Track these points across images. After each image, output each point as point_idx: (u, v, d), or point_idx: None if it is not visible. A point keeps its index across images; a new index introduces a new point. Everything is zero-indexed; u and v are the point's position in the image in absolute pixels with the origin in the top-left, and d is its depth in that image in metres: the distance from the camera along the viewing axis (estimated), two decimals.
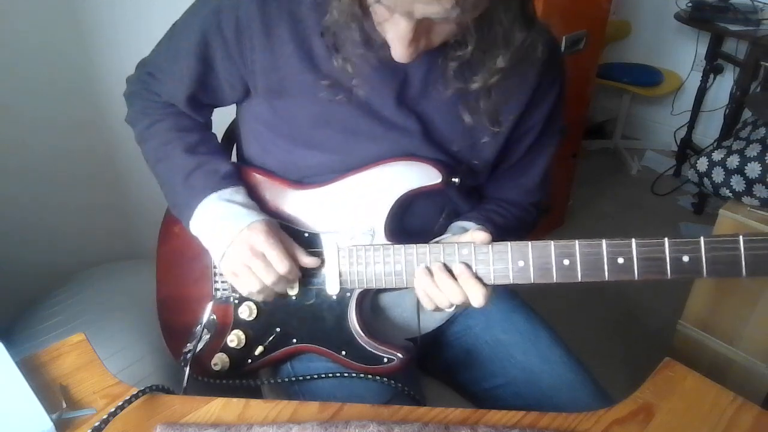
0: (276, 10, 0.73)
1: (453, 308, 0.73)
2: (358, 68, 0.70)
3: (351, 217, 0.80)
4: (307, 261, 0.79)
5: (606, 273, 0.66)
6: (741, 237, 0.61)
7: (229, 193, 0.80)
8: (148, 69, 0.86)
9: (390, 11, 0.60)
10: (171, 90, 0.83)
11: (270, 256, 0.75)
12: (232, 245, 0.76)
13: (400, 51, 0.64)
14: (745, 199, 1.37)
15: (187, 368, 0.82)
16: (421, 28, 0.62)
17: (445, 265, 0.72)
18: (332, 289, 0.80)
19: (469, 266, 0.71)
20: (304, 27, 0.74)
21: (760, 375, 1.41)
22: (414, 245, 0.74)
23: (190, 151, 0.83)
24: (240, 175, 0.85)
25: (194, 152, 0.83)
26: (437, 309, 0.74)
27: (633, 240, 0.65)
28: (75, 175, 1.36)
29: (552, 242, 0.68)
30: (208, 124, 0.91)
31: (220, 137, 0.96)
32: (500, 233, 0.79)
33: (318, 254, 0.80)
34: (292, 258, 0.77)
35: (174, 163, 0.82)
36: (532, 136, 0.84)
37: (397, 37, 0.63)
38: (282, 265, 0.75)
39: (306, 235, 0.82)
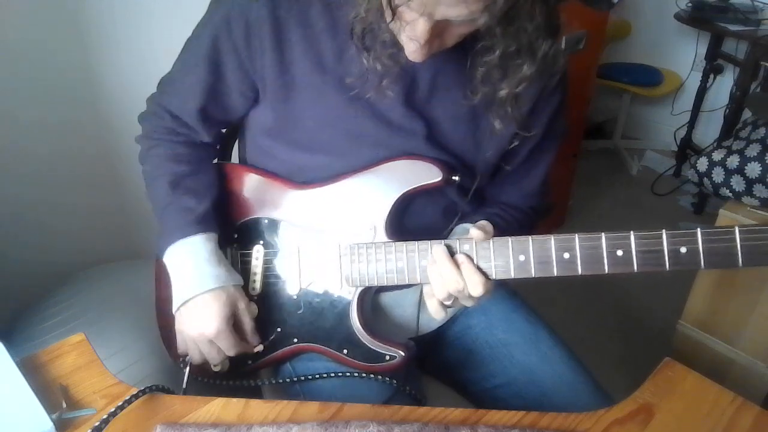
0: (286, 14, 0.73)
1: (451, 301, 0.73)
2: (384, 69, 0.70)
3: (352, 215, 0.80)
4: (256, 343, 0.83)
5: (606, 266, 0.67)
6: (737, 228, 0.63)
7: (199, 240, 0.79)
8: (163, 82, 0.87)
9: (418, 13, 0.60)
10: (181, 102, 0.83)
11: (222, 345, 0.80)
12: (186, 308, 0.79)
13: (413, 50, 0.64)
14: (745, 199, 1.37)
15: (187, 369, 0.82)
16: (438, 29, 0.62)
17: (449, 250, 0.72)
18: (334, 287, 0.80)
19: (470, 257, 0.72)
20: (313, 30, 0.74)
21: (760, 375, 1.40)
22: (416, 242, 0.75)
23: (174, 184, 0.82)
24: (231, 176, 0.86)
25: (177, 186, 0.82)
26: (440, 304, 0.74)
27: (632, 233, 0.66)
28: (75, 175, 1.36)
29: (552, 236, 0.69)
30: (211, 150, 0.90)
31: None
32: (501, 235, 0.79)
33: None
34: (242, 338, 0.82)
35: (158, 191, 0.83)
36: (534, 139, 0.84)
37: (414, 37, 0.63)
38: (231, 352, 0.81)
39: (306, 234, 0.82)
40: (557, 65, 0.69)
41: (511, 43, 0.64)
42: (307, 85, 0.76)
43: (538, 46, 0.65)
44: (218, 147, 0.94)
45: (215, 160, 0.92)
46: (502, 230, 0.81)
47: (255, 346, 0.83)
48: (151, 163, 0.86)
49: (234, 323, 0.80)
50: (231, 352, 0.80)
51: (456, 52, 0.69)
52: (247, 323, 0.82)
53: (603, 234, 0.67)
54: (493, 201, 0.92)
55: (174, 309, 0.80)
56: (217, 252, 0.81)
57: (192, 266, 0.79)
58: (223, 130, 0.92)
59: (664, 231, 0.65)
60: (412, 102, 0.77)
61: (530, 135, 0.81)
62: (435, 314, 0.75)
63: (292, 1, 0.73)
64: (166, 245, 0.80)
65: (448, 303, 0.74)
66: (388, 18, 0.63)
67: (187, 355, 0.83)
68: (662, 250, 0.65)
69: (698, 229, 0.64)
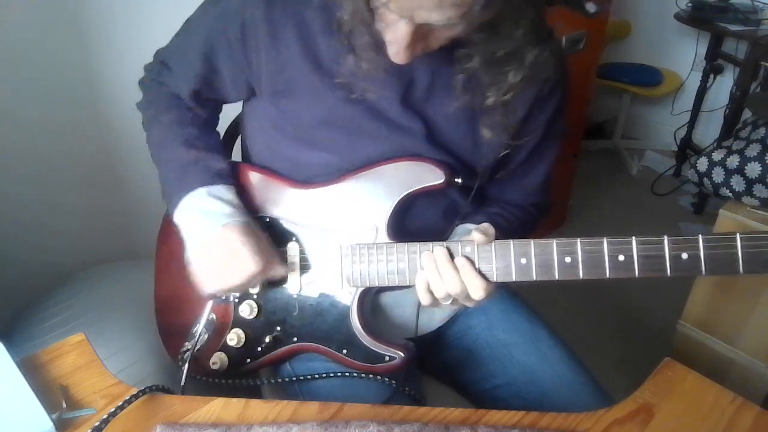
0: (281, 12, 0.74)
1: (450, 301, 0.73)
2: (369, 70, 0.70)
3: (354, 215, 0.80)
4: (280, 271, 0.80)
5: (607, 270, 0.67)
6: (738, 235, 0.63)
7: (219, 189, 0.80)
8: (161, 58, 0.87)
9: (398, 16, 0.60)
10: (177, 82, 0.85)
11: (243, 254, 0.76)
12: (208, 240, 0.77)
13: (396, 52, 0.64)
14: (745, 199, 1.37)
15: (185, 367, 0.82)
16: (420, 32, 0.62)
17: (449, 252, 0.72)
18: (334, 287, 0.80)
19: (470, 260, 0.71)
20: (309, 29, 0.74)
21: (760, 375, 1.41)
22: (417, 243, 0.75)
23: (189, 144, 0.83)
24: (234, 174, 0.85)
25: (192, 146, 0.83)
26: (434, 303, 0.74)
27: (633, 238, 0.66)
28: (75, 175, 1.36)
29: (554, 240, 0.69)
30: (212, 119, 0.91)
31: (222, 134, 0.96)
32: (504, 235, 0.79)
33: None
34: (266, 259, 0.78)
35: (172, 153, 0.83)
36: (535, 139, 0.84)
37: (395, 39, 0.63)
38: (254, 263, 0.75)
39: (308, 234, 0.82)
40: (547, 72, 0.69)
41: (495, 50, 0.64)
42: (304, 84, 0.76)
43: (524, 54, 0.65)
44: (218, 117, 0.94)
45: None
46: (504, 230, 0.81)
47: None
48: (160, 128, 0.86)
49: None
50: (253, 263, 0.75)
51: (453, 53, 0.69)
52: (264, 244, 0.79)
53: (605, 239, 0.67)
54: (494, 199, 0.92)
55: (195, 246, 0.78)
56: (237, 199, 0.81)
57: (214, 207, 0.78)
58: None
59: (665, 237, 0.65)
60: (410, 102, 0.77)
61: (522, 142, 0.81)
62: (424, 302, 0.75)
63: (287, 1, 0.73)
64: (186, 192, 0.79)
65: (446, 303, 0.74)
66: (369, 19, 0.63)
67: (186, 351, 0.83)
68: (663, 256, 0.65)
69: (699, 236, 0.64)
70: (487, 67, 0.67)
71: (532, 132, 0.83)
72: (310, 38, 0.74)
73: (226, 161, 0.85)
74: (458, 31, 0.62)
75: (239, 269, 0.76)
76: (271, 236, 0.85)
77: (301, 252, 0.83)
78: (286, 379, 0.86)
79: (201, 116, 0.88)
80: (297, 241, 0.83)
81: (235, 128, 0.97)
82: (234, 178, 0.88)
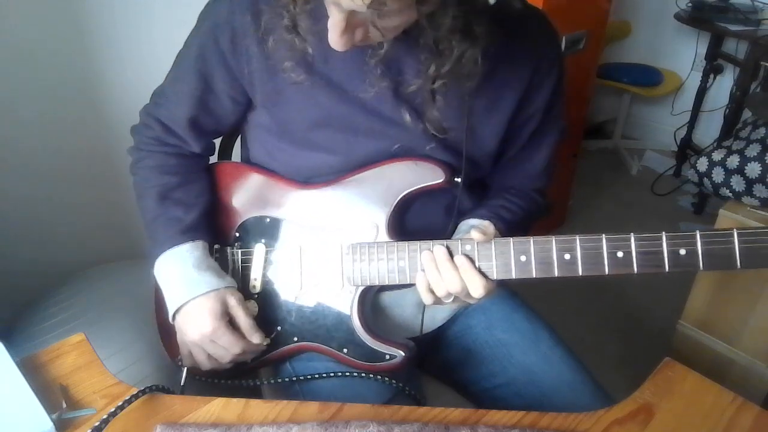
0: (269, 17, 0.73)
1: (452, 299, 0.74)
2: (317, 48, 0.70)
3: (354, 214, 0.80)
4: (256, 340, 0.81)
5: (606, 267, 0.68)
6: (735, 231, 0.64)
7: (186, 249, 0.80)
8: (154, 97, 0.87)
9: (330, 1, 0.60)
10: (172, 112, 0.84)
11: (223, 343, 0.79)
12: (181, 316, 0.80)
13: (332, 38, 0.64)
14: (745, 199, 1.37)
15: (185, 368, 0.82)
16: (356, 20, 0.62)
17: (449, 251, 0.73)
18: (334, 286, 0.80)
19: (470, 258, 0.72)
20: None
21: (760, 375, 1.40)
22: (418, 242, 0.75)
23: (162, 196, 0.83)
24: (234, 175, 0.85)
25: (166, 198, 0.83)
26: (437, 301, 0.75)
27: (632, 234, 0.67)
28: (75, 174, 1.36)
29: (553, 237, 0.70)
30: (202, 159, 0.90)
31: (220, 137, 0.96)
32: (509, 228, 0.80)
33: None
34: (242, 335, 0.81)
35: (146, 205, 0.84)
36: (534, 122, 0.84)
37: (330, 24, 0.63)
38: (236, 348, 0.80)
39: (308, 233, 0.82)
40: (474, 70, 0.68)
41: (408, 41, 0.64)
42: (296, 87, 0.77)
43: (449, 48, 0.65)
44: (209, 157, 0.94)
45: (217, 159, 0.93)
46: (508, 223, 0.81)
47: (258, 343, 0.82)
48: (141, 174, 0.87)
49: (232, 322, 0.80)
50: (235, 349, 0.79)
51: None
52: (242, 319, 0.81)
53: (603, 235, 0.68)
54: (496, 188, 0.91)
55: (170, 319, 0.81)
56: (205, 259, 0.81)
57: (180, 274, 0.79)
58: (214, 140, 0.93)
59: (663, 233, 0.66)
60: (401, 95, 0.77)
61: (527, 116, 0.82)
62: (426, 301, 0.75)
63: (273, 4, 0.73)
64: (156, 257, 0.81)
65: (448, 301, 0.74)
66: (287, 2, 0.65)
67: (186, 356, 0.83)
68: (662, 252, 0.66)
69: (697, 232, 0.65)
70: (407, 56, 0.68)
71: (531, 115, 0.83)
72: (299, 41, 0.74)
73: (199, 210, 0.84)
74: (392, 24, 0.62)
75: (224, 353, 0.80)
76: (272, 236, 0.85)
77: (302, 251, 0.83)
78: (287, 379, 0.86)
79: (189, 157, 0.88)
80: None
81: (235, 130, 0.97)
82: (233, 179, 0.88)
